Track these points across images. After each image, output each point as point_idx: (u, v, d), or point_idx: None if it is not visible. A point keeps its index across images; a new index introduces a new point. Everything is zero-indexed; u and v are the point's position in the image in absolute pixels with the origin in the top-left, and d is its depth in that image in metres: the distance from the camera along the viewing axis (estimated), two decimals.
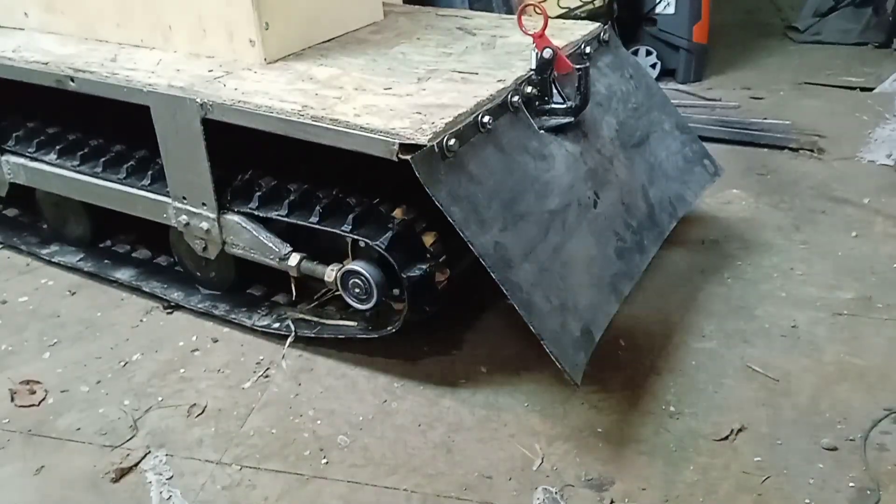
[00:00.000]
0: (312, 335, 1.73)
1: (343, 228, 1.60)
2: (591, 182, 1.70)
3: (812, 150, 2.58)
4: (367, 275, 1.59)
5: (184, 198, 1.76)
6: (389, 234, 1.56)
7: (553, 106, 1.70)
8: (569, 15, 2.69)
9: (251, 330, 1.79)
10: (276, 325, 1.77)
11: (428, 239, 1.61)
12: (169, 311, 1.89)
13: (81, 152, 1.94)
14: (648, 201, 1.84)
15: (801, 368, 1.62)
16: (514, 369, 1.65)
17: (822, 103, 3.00)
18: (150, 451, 1.48)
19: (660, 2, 3.13)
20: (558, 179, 1.64)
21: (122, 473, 1.44)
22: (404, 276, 1.55)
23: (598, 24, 2.01)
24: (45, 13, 2.05)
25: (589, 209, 1.67)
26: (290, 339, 1.74)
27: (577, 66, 1.65)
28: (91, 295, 1.97)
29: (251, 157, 1.78)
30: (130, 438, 1.52)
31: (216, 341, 1.78)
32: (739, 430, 1.47)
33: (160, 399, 1.62)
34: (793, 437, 1.45)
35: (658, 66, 3.24)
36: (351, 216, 1.60)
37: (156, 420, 1.56)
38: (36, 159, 1.99)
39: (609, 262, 1.65)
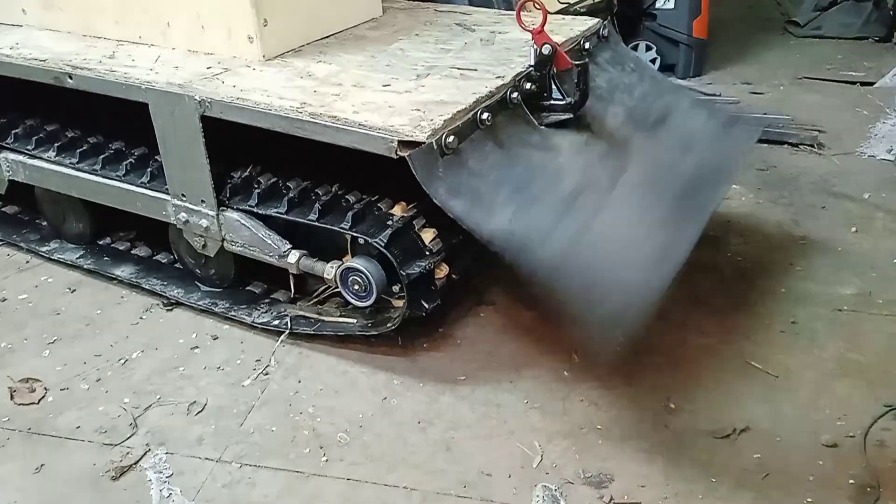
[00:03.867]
0: (312, 332, 1.73)
1: (342, 225, 1.60)
2: (605, 164, 1.67)
3: (812, 146, 2.58)
4: (367, 272, 1.59)
5: (183, 195, 1.76)
6: (388, 231, 1.56)
7: (552, 102, 1.69)
8: (568, 11, 2.68)
9: (251, 327, 1.79)
10: (276, 322, 1.77)
11: (427, 235, 1.61)
12: (169, 308, 1.89)
13: (80, 149, 1.93)
14: (686, 173, 1.77)
15: (800, 364, 1.62)
16: (513, 366, 1.65)
17: (823, 98, 3.00)
18: (150, 449, 1.48)
19: None
20: (568, 165, 1.62)
21: (122, 471, 1.44)
22: (403, 272, 1.55)
23: (597, 20, 2.00)
24: (43, 10, 2.04)
25: (609, 190, 1.63)
26: (283, 335, 1.74)
27: (577, 63, 1.65)
28: (91, 292, 1.97)
29: (250, 154, 1.78)
30: (130, 436, 1.52)
31: (216, 338, 1.78)
32: (739, 427, 1.47)
33: (160, 397, 1.62)
34: (793, 433, 1.45)
35: (658, 62, 3.23)
36: (350, 213, 1.60)
37: (156, 418, 1.56)
38: (35, 157, 1.99)
39: (649, 237, 1.57)
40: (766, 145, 2.59)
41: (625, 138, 1.76)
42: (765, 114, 2.77)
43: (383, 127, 1.43)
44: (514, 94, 1.62)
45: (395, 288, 1.68)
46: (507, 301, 1.84)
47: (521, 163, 1.56)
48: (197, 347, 1.76)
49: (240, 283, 1.89)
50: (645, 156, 1.75)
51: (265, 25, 1.75)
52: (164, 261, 2.01)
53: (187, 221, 1.78)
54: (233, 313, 1.81)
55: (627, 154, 1.73)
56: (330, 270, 1.65)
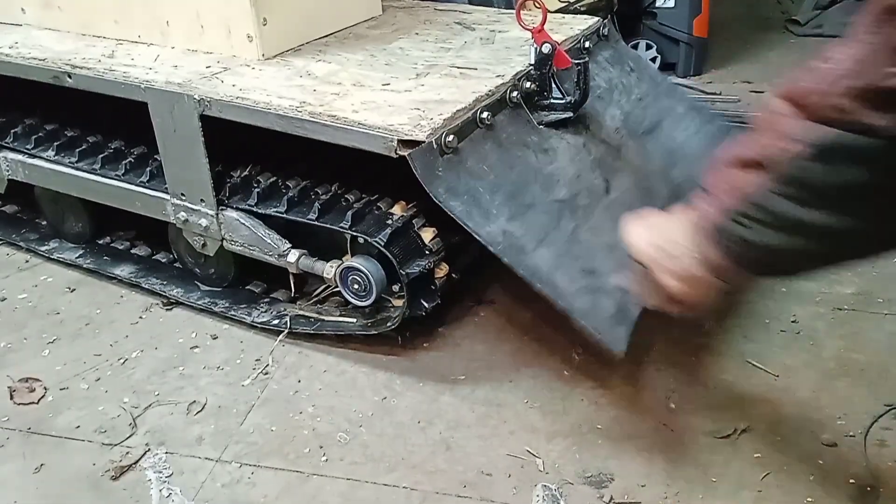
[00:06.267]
0: (312, 332, 1.73)
1: (342, 225, 1.59)
2: (599, 170, 1.67)
3: None
4: (366, 271, 1.59)
5: (182, 194, 1.76)
6: (388, 230, 1.56)
7: (552, 101, 1.69)
8: (568, 9, 2.68)
9: (251, 326, 1.79)
10: (276, 321, 1.77)
11: (427, 235, 1.61)
12: (168, 307, 1.89)
13: (80, 149, 1.93)
14: (672, 183, 1.79)
15: (801, 364, 1.61)
16: (513, 366, 1.65)
17: None
18: (149, 449, 1.48)
19: None
20: (563, 170, 1.62)
21: (122, 471, 1.44)
22: (403, 272, 1.55)
23: (597, 19, 2.00)
24: (42, 9, 2.04)
25: (601, 197, 1.64)
26: (282, 335, 1.74)
27: (577, 61, 1.64)
28: (90, 292, 1.97)
29: (250, 153, 1.78)
30: (130, 436, 1.52)
31: (216, 338, 1.78)
32: (739, 427, 1.46)
33: (159, 396, 1.62)
34: (792, 433, 1.45)
35: (658, 60, 3.23)
36: (350, 213, 1.60)
37: (155, 418, 1.56)
38: (34, 156, 1.98)
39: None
40: None
41: (619, 144, 1.76)
42: None
43: (383, 126, 1.43)
44: (514, 93, 1.62)
45: (395, 287, 1.68)
46: (507, 301, 1.84)
47: (518, 165, 1.56)
48: (196, 347, 1.76)
49: (239, 282, 1.89)
50: (636, 164, 1.76)
51: (264, 24, 1.75)
52: (163, 260, 2.01)
53: (187, 221, 1.78)
54: (232, 313, 1.81)
55: (620, 161, 1.74)
56: (329, 270, 1.65)
